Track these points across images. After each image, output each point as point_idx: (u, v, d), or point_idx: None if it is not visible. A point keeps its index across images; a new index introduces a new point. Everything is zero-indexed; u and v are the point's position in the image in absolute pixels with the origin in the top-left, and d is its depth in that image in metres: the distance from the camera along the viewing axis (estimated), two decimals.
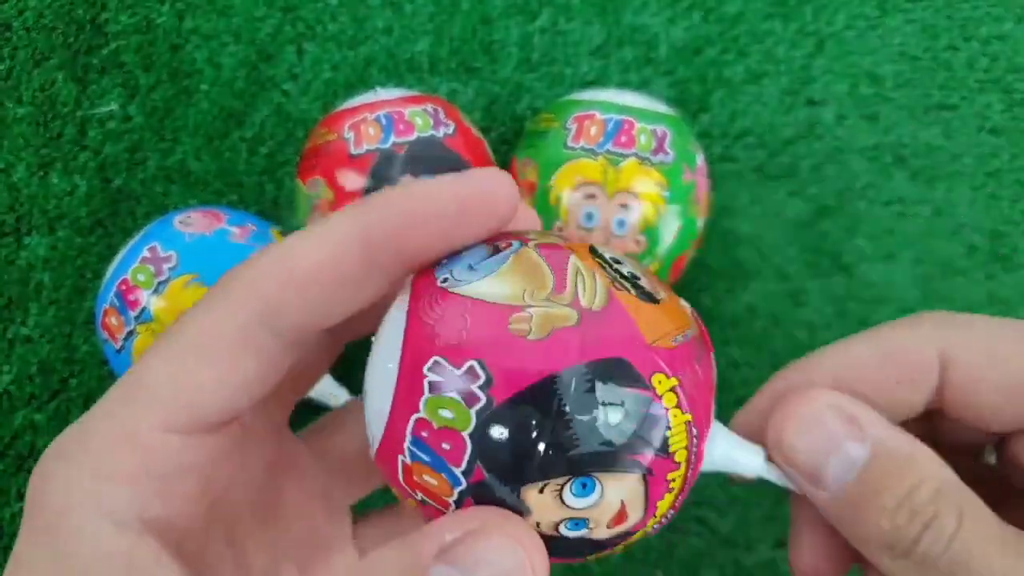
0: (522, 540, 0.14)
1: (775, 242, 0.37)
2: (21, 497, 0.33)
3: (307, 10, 0.39)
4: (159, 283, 0.28)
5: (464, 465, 0.14)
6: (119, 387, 0.16)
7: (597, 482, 0.14)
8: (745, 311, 0.36)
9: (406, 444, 0.15)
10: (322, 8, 0.39)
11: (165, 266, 0.28)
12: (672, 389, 0.15)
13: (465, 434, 0.14)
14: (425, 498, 0.15)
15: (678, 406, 0.15)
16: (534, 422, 0.14)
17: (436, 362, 0.14)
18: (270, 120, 0.38)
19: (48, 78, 0.37)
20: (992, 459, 0.23)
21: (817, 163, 0.38)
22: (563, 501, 0.14)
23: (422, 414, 0.14)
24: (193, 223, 0.30)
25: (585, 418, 0.14)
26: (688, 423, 0.15)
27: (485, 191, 0.16)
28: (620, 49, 0.39)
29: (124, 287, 0.28)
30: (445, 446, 0.14)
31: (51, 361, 0.35)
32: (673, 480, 0.15)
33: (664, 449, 0.15)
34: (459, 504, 0.15)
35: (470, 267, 0.16)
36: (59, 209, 0.36)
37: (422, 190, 0.16)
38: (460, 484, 0.14)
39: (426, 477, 0.15)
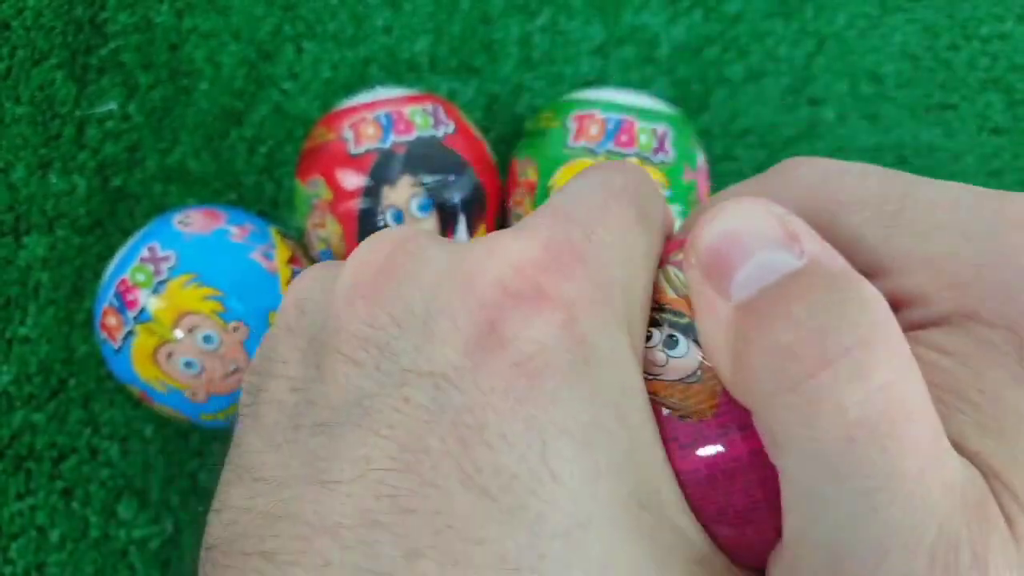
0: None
1: None
2: (20, 496, 0.33)
3: (306, 9, 0.39)
4: (158, 283, 0.28)
5: None
6: None
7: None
8: None
9: None
10: (322, 7, 0.39)
11: (164, 266, 0.28)
12: None
13: None
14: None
15: None
16: None
17: None
18: (269, 119, 0.38)
19: (47, 77, 0.37)
20: None
21: None
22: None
23: None
24: (192, 222, 0.29)
25: None
26: None
27: None
28: (620, 48, 0.39)
29: (123, 287, 0.28)
30: None
31: (50, 361, 0.34)
32: None
33: None
34: None
35: None
36: (58, 209, 0.36)
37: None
38: None
39: None
